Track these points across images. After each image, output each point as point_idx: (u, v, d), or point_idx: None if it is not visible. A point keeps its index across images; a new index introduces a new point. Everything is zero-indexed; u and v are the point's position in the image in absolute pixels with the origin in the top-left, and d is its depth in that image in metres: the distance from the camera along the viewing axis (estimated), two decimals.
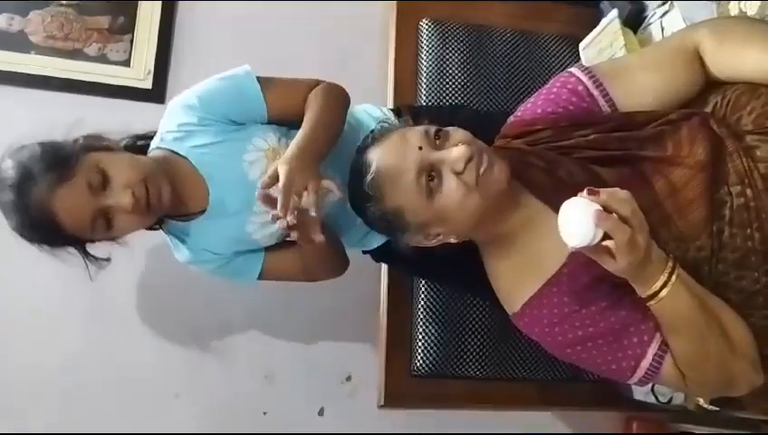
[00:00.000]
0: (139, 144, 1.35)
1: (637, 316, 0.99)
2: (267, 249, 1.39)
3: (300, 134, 1.23)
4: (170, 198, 1.24)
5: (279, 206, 1.08)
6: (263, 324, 1.86)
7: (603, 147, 1.09)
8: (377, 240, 1.45)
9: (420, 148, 0.99)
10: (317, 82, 1.34)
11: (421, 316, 1.76)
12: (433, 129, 1.01)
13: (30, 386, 1.71)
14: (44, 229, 1.15)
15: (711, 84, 1.12)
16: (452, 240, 1.06)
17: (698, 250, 1.00)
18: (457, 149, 0.97)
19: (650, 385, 1.58)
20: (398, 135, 1.03)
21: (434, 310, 1.75)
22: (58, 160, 1.15)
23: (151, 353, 1.78)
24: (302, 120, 1.27)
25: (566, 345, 1.03)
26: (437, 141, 1.00)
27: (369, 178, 1.01)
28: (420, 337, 1.76)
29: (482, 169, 0.97)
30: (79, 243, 1.23)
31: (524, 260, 1.07)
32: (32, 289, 1.75)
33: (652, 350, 0.99)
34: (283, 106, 1.32)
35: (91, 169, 1.16)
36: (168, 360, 1.79)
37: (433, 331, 1.75)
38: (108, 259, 1.31)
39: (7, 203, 1.16)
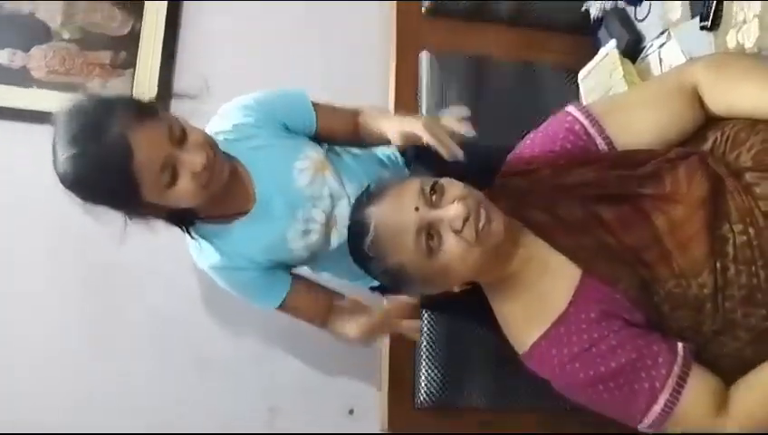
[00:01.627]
0: None
1: (647, 362, 0.98)
2: (295, 279, 1.39)
3: (384, 113, 1.43)
4: (227, 180, 1.23)
5: (446, 151, 1.20)
6: (265, 357, 1.85)
7: (602, 185, 1.09)
8: None
9: (417, 208, 0.99)
10: (359, 109, 1.44)
11: (424, 348, 1.75)
12: (428, 185, 1.01)
13: (27, 414, 1.69)
14: (114, 158, 1.07)
15: (710, 120, 1.12)
16: (455, 289, 1.08)
17: (700, 287, 0.99)
18: (455, 207, 0.98)
19: None
20: (394, 195, 1.03)
21: (437, 341, 1.74)
22: (144, 103, 1.16)
23: (153, 385, 1.77)
24: (344, 140, 1.42)
25: (577, 386, 1.02)
26: (434, 197, 1.01)
27: (368, 239, 1.02)
28: (423, 370, 1.74)
29: (480, 225, 0.98)
30: (134, 193, 1.13)
31: (530, 300, 1.07)
32: (30, 316, 1.74)
33: (664, 396, 0.97)
34: (329, 123, 1.40)
35: (174, 121, 1.16)
36: (171, 391, 1.78)
37: (436, 363, 1.74)
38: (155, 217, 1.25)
39: (80, 126, 1.09)
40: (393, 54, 1.96)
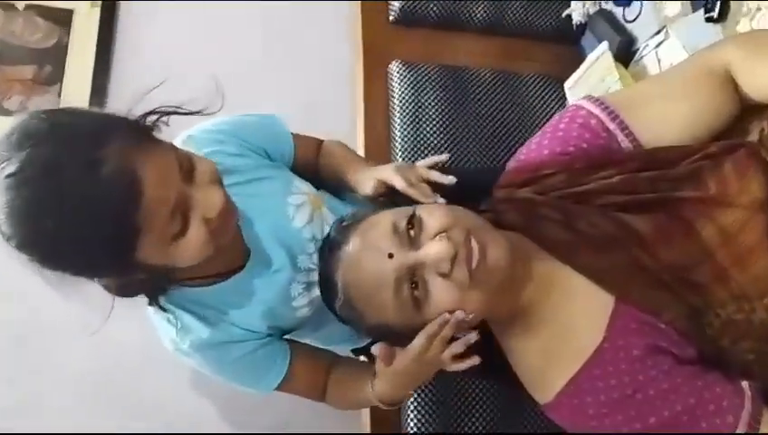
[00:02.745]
0: None
1: (709, 408, 0.78)
2: (293, 349, 1.11)
3: (353, 157, 1.21)
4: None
5: (425, 197, 1.03)
6: (228, 409, 1.60)
7: (631, 190, 0.89)
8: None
9: (391, 255, 0.80)
10: (322, 139, 1.26)
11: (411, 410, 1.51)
12: (403, 219, 0.83)
13: None
14: (115, 200, 0.73)
15: (749, 109, 0.94)
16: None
17: None
18: (437, 245, 0.79)
19: None
20: (362, 240, 0.84)
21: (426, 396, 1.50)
22: (142, 123, 0.84)
23: None
24: (311, 172, 1.20)
25: None
26: (411, 232, 0.82)
27: (339, 303, 0.86)
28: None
29: (474, 263, 0.79)
30: (128, 251, 0.78)
31: (552, 336, 0.87)
32: None
33: None
34: (304, 152, 1.20)
35: (179, 152, 0.85)
36: None
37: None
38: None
39: (57, 152, 0.73)
40: (360, 65, 1.77)
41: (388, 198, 1.07)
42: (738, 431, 0.77)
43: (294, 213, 1.08)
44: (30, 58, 1.62)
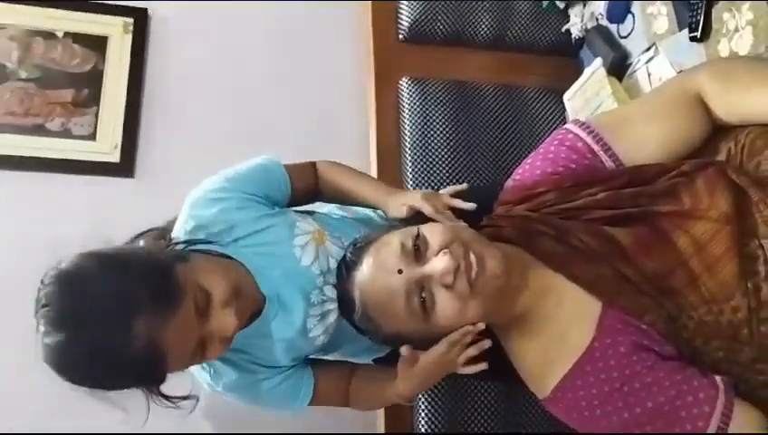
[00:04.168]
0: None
1: (687, 399, 0.88)
2: (315, 370, 1.24)
3: (370, 183, 1.32)
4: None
5: (447, 216, 1.17)
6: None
7: (615, 205, 1.01)
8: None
9: (400, 271, 0.92)
10: (314, 162, 1.33)
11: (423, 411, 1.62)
12: (409, 239, 0.94)
13: None
14: (145, 369, 0.91)
15: (719, 130, 1.05)
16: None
17: (734, 311, 0.91)
18: (440, 260, 0.91)
19: None
20: (374, 259, 0.96)
21: (436, 398, 1.62)
22: (165, 283, 0.93)
23: None
24: (311, 194, 1.30)
25: (610, 430, 0.91)
26: (417, 250, 0.93)
27: (357, 316, 0.98)
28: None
29: (473, 274, 0.91)
30: (158, 381, 0.98)
31: (548, 337, 0.98)
32: None
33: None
34: (301, 182, 1.27)
35: (195, 287, 0.97)
36: None
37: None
38: (196, 397, 1.09)
39: (93, 339, 0.88)
40: (372, 82, 1.88)
41: (416, 220, 1.19)
42: (713, 420, 0.87)
43: (301, 254, 1.15)
44: (69, 82, 1.74)
